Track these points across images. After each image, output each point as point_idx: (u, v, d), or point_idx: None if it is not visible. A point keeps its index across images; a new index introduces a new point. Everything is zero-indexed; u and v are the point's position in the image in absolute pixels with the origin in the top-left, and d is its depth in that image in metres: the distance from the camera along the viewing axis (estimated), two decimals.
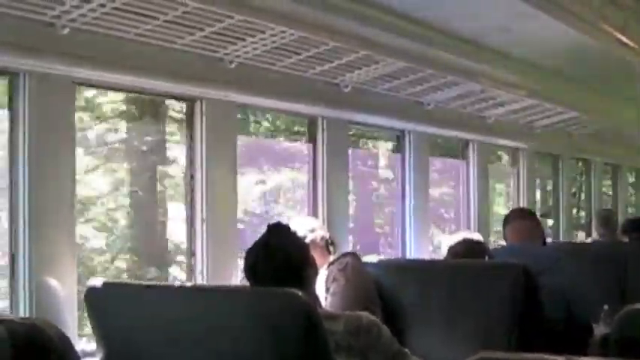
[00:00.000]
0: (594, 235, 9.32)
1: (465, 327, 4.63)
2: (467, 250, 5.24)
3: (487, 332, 4.54)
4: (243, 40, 5.09)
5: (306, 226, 5.13)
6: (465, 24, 6.40)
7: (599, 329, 5.28)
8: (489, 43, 7.14)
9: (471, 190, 8.22)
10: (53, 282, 4.27)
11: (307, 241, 4.89)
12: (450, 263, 5.22)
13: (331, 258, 5.09)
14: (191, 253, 5.23)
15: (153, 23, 4.60)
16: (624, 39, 8.28)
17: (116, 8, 4.33)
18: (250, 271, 3.47)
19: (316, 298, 3.97)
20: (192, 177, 5.21)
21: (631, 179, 13.63)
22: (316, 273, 4.77)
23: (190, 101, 5.24)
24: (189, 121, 5.29)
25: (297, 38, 5.23)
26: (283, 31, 5.09)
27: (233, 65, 5.23)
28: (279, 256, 3.44)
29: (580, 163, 11.72)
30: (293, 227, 5.06)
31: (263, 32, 5.03)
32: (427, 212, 7.60)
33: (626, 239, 7.97)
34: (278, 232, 3.57)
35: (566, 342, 5.03)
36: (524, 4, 6.00)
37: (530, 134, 9.27)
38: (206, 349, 3.34)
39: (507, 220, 5.56)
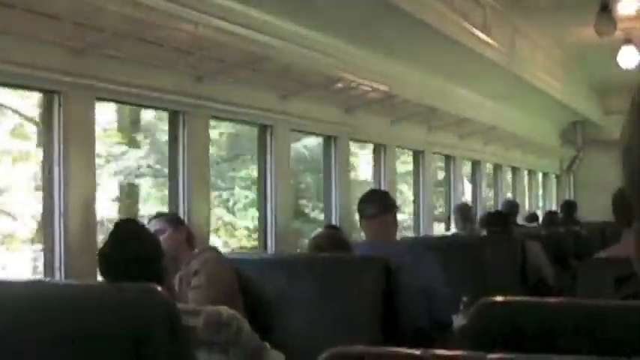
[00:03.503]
0: (453, 228, 9.50)
1: (328, 321, 4.65)
2: (328, 242, 5.26)
3: (350, 327, 4.57)
4: (102, 31, 5.01)
5: (166, 221, 5.08)
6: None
7: (458, 320, 5.38)
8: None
9: (332, 184, 8.24)
10: None
11: (167, 235, 4.85)
12: (313, 257, 5.23)
13: (193, 253, 5.05)
14: (48, 249, 5.11)
15: (9, 12, 4.49)
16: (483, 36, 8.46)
17: None
18: (102, 266, 3.42)
19: (175, 293, 3.93)
20: (49, 171, 5.09)
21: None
22: (176, 267, 4.75)
23: (48, 93, 5.12)
24: (46, 113, 5.16)
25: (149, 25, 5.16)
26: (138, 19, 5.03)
27: (92, 57, 5.13)
28: (128, 251, 3.40)
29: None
30: (154, 222, 5.04)
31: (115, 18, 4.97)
32: (289, 205, 7.60)
33: (484, 232, 8.16)
34: (126, 227, 3.54)
35: (428, 334, 5.10)
36: None
37: (391, 129, 9.37)
38: (61, 346, 3.27)
39: (366, 213, 5.57)
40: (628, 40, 11.35)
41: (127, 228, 3.54)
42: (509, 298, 2.35)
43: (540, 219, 12.46)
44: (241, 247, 14.05)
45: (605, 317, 2.20)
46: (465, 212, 9.36)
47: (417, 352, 1.59)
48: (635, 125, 0.83)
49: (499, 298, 2.29)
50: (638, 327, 2.09)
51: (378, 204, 5.49)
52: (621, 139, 0.86)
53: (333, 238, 5.40)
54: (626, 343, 2.02)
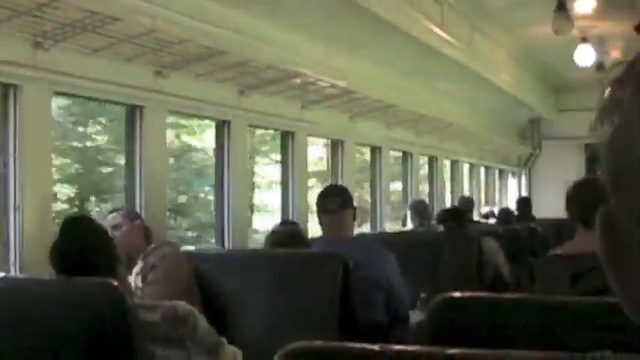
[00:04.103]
0: (410, 225, 9.52)
1: (286, 317, 4.65)
2: (286, 238, 5.25)
3: (308, 322, 4.56)
4: (60, 23, 4.97)
5: (122, 215, 5.05)
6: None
7: (415, 316, 5.40)
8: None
9: (290, 180, 8.24)
10: None
11: (123, 230, 4.83)
12: (271, 252, 5.22)
13: (149, 247, 5.02)
14: (3, 243, 5.07)
15: None
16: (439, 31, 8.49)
17: None
18: (54, 261, 3.41)
19: (131, 288, 3.92)
20: (4, 164, 5.04)
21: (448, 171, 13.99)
22: (133, 262, 4.73)
23: (3, 87, 5.07)
24: (1, 107, 5.11)
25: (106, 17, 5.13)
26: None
27: (49, 49, 5.09)
28: (78, 243, 3.39)
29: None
30: (110, 217, 5.02)
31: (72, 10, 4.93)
32: (246, 201, 7.59)
33: (441, 228, 8.19)
34: (74, 221, 3.53)
35: (386, 330, 5.12)
36: None
37: (350, 124, 9.38)
38: (17, 341, 3.24)
39: (327, 208, 5.54)
40: (584, 39, 11.45)
41: (75, 222, 3.53)
42: (467, 293, 2.36)
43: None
44: None
45: (562, 313, 2.22)
46: (420, 209, 9.38)
47: (376, 347, 1.60)
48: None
49: (457, 294, 2.30)
50: (593, 323, 2.10)
51: (339, 200, 5.46)
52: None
53: (291, 233, 5.40)
54: (582, 339, 2.04)
